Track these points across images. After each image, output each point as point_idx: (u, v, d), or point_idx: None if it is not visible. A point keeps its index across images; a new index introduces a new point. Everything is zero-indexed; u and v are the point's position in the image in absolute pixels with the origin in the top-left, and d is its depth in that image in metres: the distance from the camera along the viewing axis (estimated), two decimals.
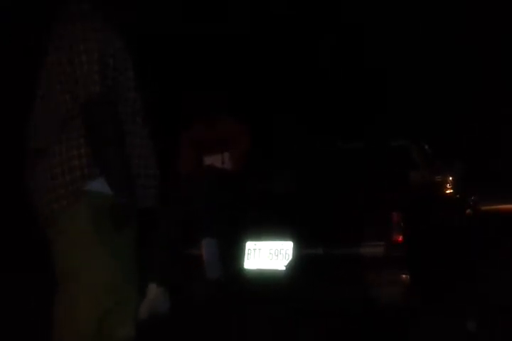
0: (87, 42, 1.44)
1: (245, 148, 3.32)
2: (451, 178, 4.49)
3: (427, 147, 4.46)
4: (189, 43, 6.79)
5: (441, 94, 8.94)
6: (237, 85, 6.27)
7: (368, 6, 8.00)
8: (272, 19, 7.34)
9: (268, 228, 3.26)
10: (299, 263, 3.15)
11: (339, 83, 7.79)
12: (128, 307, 1.53)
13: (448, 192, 4.45)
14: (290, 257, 3.16)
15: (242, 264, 3.23)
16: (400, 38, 8.28)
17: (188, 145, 3.38)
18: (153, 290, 2.93)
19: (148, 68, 6.47)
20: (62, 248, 1.47)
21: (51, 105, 1.48)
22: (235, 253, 3.23)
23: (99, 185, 1.43)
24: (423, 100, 8.71)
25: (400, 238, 3.08)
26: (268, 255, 3.21)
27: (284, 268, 3.16)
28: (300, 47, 7.60)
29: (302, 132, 6.93)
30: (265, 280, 3.17)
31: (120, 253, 1.47)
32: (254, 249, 3.24)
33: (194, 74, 6.60)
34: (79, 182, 1.43)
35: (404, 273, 3.08)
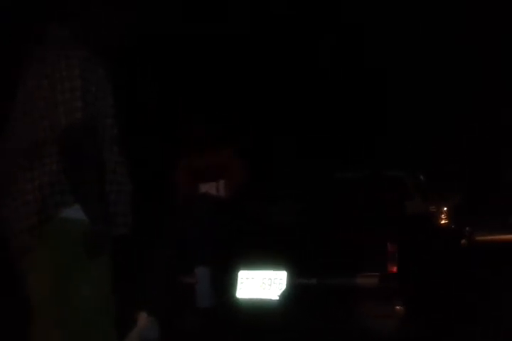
0: (71, 69, 1.42)
1: (240, 180, 3.33)
2: (445, 209, 4.50)
3: (422, 177, 4.48)
4: (189, 43, 6.82)
5: (442, 94, 8.97)
6: (236, 98, 6.27)
7: (368, 6, 8.06)
8: (272, 19, 7.38)
9: (261, 257, 3.24)
10: (292, 293, 3.11)
11: (339, 85, 7.80)
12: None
13: (443, 222, 4.45)
14: (283, 287, 3.13)
15: (235, 293, 3.19)
16: (400, 39, 8.34)
17: (185, 173, 3.39)
18: (143, 318, 2.89)
19: (148, 68, 6.53)
20: (35, 280, 1.42)
21: (25, 129, 1.46)
22: (228, 282, 3.19)
23: (73, 213, 1.40)
24: (423, 100, 8.73)
25: (395, 269, 3.06)
26: (261, 284, 3.18)
27: (277, 298, 3.12)
28: (300, 48, 7.62)
29: (300, 156, 6.93)
30: (258, 310, 3.14)
31: (97, 284, 1.42)
32: (247, 278, 3.21)
33: (194, 75, 6.63)
34: (52, 210, 1.40)
35: (398, 305, 3.05)
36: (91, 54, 1.48)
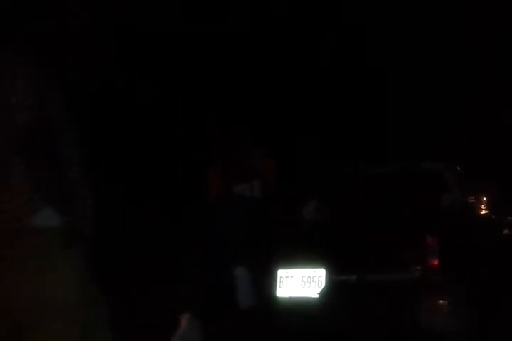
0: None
1: (273, 179, 3.33)
2: (484, 199, 4.40)
3: (459, 168, 4.40)
4: (189, 44, 6.87)
5: (441, 94, 8.86)
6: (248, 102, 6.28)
7: (368, 6, 8.02)
8: (272, 19, 7.39)
9: (299, 255, 3.23)
10: (332, 291, 3.09)
11: (342, 84, 7.77)
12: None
13: (483, 213, 4.35)
14: (323, 284, 3.12)
15: (275, 292, 3.19)
16: (400, 38, 8.28)
17: (217, 174, 3.40)
18: (187, 320, 2.92)
19: (148, 68, 6.58)
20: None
21: None
22: (267, 282, 3.19)
23: (45, 217, 1.45)
24: (423, 100, 8.64)
25: (436, 262, 3.00)
26: (300, 282, 3.17)
27: (316, 296, 3.11)
28: (300, 48, 7.61)
29: (325, 156, 6.91)
30: (298, 308, 3.13)
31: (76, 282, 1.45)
32: (286, 277, 3.21)
33: (193, 75, 6.66)
34: (26, 217, 1.44)
35: (441, 299, 3.00)
36: (45, 81, 1.52)
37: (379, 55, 8.15)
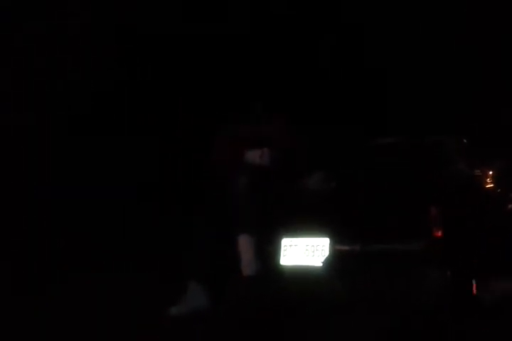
0: None
1: (288, 146, 3.32)
2: (491, 172, 4.39)
3: (465, 141, 4.37)
4: (190, 43, 6.85)
5: (441, 93, 8.84)
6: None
7: (368, 6, 7.97)
8: (272, 19, 7.34)
9: (304, 224, 3.25)
10: (335, 260, 3.12)
11: (341, 82, 7.76)
12: None
13: (488, 186, 4.35)
14: (326, 253, 3.14)
15: (279, 260, 3.23)
16: (400, 38, 8.24)
17: (227, 142, 3.38)
18: (193, 287, 2.97)
19: (148, 67, 6.56)
20: None
21: None
22: (271, 250, 3.22)
23: None
24: (423, 100, 8.63)
25: (440, 233, 3.02)
26: (304, 251, 3.20)
27: (320, 265, 3.14)
28: (300, 48, 7.58)
29: (333, 128, 6.90)
30: (302, 277, 3.17)
31: None
32: (291, 245, 3.24)
33: (195, 76, 6.65)
34: None
35: (444, 270, 3.02)
36: None
37: (379, 55, 8.12)
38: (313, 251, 3.18)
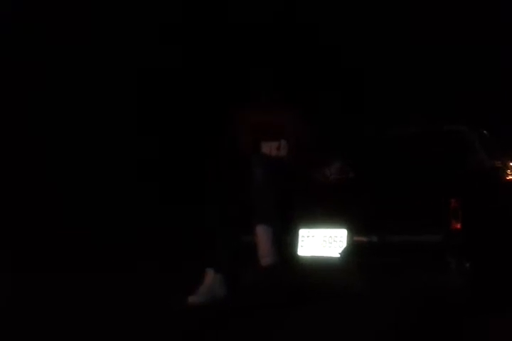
0: None
1: (301, 136, 3.31)
2: (511, 164, 4.32)
3: (485, 132, 4.32)
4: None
5: (441, 93, 8.74)
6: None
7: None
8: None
9: (321, 215, 3.24)
10: (353, 251, 3.11)
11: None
12: None
13: (509, 178, 4.29)
14: (344, 245, 3.13)
15: (296, 251, 3.22)
16: (400, 37, 8.16)
17: (244, 131, 3.39)
18: (211, 275, 2.98)
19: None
20: None
21: None
22: (289, 240, 3.22)
23: None
24: (423, 100, 8.54)
25: (459, 225, 2.99)
26: (322, 242, 3.20)
27: (338, 256, 3.13)
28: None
29: (349, 118, 6.85)
30: (319, 267, 3.16)
31: None
32: (308, 236, 3.23)
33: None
34: None
35: (463, 262, 2.99)
36: None
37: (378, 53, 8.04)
38: (331, 242, 3.17)
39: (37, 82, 6.64)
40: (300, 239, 3.23)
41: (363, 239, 3.12)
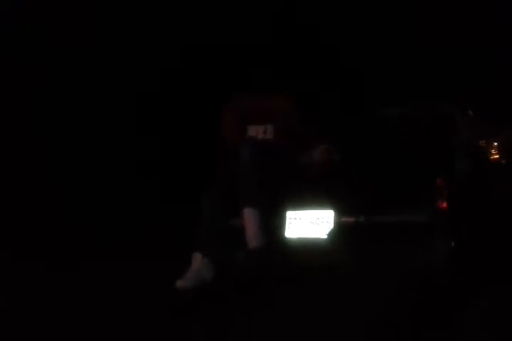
0: None
1: (289, 121, 3.30)
2: (495, 144, 4.36)
3: (470, 112, 4.33)
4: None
5: (448, 63, 8.73)
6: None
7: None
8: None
9: (308, 197, 3.24)
10: (340, 232, 3.13)
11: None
12: None
13: (493, 157, 4.33)
14: (331, 226, 3.15)
15: (283, 233, 3.23)
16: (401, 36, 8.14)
17: (233, 117, 3.37)
18: (198, 259, 2.99)
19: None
20: None
21: None
22: (276, 223, 3.22)
23: None
24: (430, 67, 8.53)
25: (445, 204, 3.01)
26: (309, 224, 3.20)
27: (325, 237, 3.14)
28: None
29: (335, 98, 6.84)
30: (306, 249, 3.17)
31: None
32: (295, 218, 3.24)
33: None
34: None
35: (449, 242, 3.02)
36: None
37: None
38: (318, 224, 3.18)
39: (37, 82, 6.57)
40: (287, 221, 3.24)
41: (350, 219, 3.13)
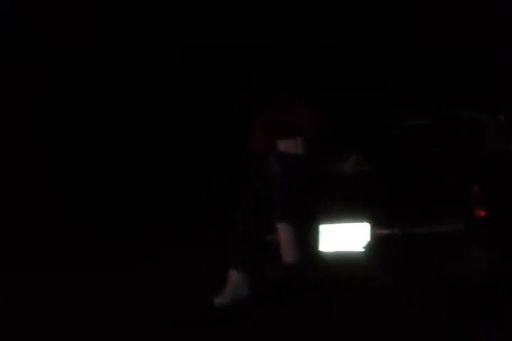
0: None
1: (318, 134, 3.30)
2: None
3: (502, 117, 4.25)
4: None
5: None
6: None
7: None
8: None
9: (342, 210, 3.21)
10: (376, 244, 3.08)
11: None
12: None
13: None
14: (367, 238, 3.10)
15: (318, 247, 3.20)
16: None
17: (261, 130, 3.38)
18: (234, 276, 2.98)
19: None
20: None
21: None
22: (311, 237, 3.20)
23: None
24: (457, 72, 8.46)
25: (483, 212, 2.94)
26: (344, 237, 3.16)
27: (361, 250, 3.10)
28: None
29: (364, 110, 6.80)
30: (342, 262, 3.13)
31: None
32: (329, 232, 3.20)
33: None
34: None
35: (489, 251, 2.95)
36: None
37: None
38: (353, 237, 3.14)
39: (37, 82, 6.65)
40: (322, 234, 3.20)
41: (386, 231, 3.08)
